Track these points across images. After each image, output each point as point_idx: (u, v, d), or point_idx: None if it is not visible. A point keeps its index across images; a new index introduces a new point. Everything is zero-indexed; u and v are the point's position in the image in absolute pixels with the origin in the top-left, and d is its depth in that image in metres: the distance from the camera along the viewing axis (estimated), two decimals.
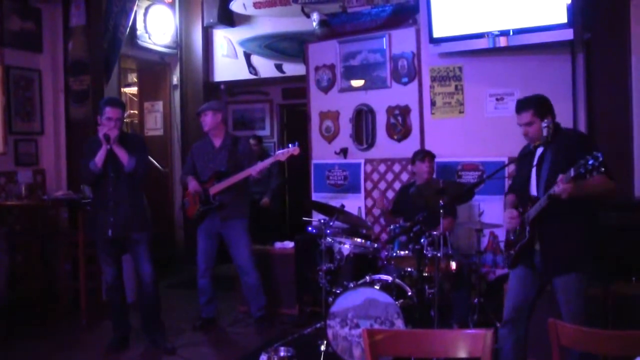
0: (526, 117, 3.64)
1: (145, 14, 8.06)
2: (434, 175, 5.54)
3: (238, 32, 8.73)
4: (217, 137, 5.62)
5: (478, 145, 5.84)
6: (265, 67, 8.69)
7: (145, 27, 8.06)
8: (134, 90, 9.48)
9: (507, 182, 5.49)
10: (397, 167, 6.29)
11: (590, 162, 3.04)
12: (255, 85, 9.67)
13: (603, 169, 3.06)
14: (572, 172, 3.15)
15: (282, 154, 5.39)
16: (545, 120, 3.58)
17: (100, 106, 4.80)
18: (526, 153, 3.78)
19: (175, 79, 8.81)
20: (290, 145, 5.39)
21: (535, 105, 3.65)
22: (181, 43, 8.79)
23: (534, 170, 3.67)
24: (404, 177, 6.20)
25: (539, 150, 3.67)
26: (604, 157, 3.03)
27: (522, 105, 3.69)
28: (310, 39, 7.06)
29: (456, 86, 5.95)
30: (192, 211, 5.62)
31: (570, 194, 3.25)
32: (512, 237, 3.77)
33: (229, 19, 8.59)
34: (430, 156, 5.50)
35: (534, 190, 3.65)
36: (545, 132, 3.58)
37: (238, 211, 5.60)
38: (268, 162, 5.50)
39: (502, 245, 5.61)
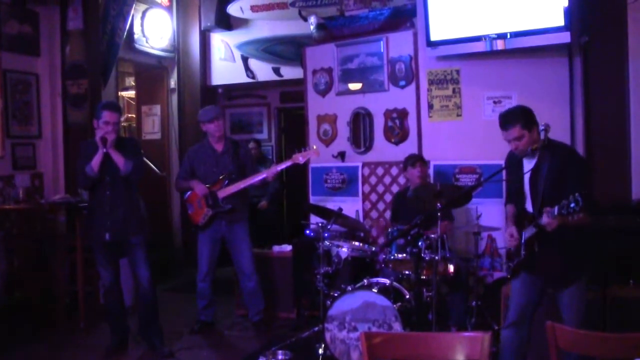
0: (514, 131, 3.56)
1: (142, 18, 8.08)
2: (431, 180, 5.54)
3: (235, 36, 8.75)
4: (218, 142, 5.62)
5: (475, 148, 5.84)
6: (263, 71, 8.71)
7: (142, 30, 8.08)
8: (131, 93, 9.48)
9: (505, 185, 5.50)
10: (394, 170, 6.29)
11: (572, 205, 3.09)
12: (253, 89, 9.67)
13: (582, 214, 3.11)
14: (555, 211, 3.22)
15: (301, 157, 5.40)
16: (542, 124, 3.57)
17: (98, 110, 4.78)
18: (515, 160, 3.77)
19: (173, 83, 8.82)
20: (307, 147, 5.43)
21: (522, 118, 3.57)
22: (178, 46, 8.80)
23: (527, 180, 3.67)
24: (402, 180, 6.19)
25: (528, 161, 3.64)
26: (584, 200, 3.08)
27: (509, 120, 3.59)
28: (308, 42, 7.07)
29: (454, 89, 5.95)
30: (199, 215, 5.58)
31: (554, 229, 3.32)
32: (512, 249, 3.78)
33: (227, 22, 8.61)
34: (422, 161, 5.50)
35: (529, 205, 3.67)
36: (542, 136, 3.57)
37: (242, 215, 5.62)
38: (285, 165, 5.52)
39: (500, 250, 5.63)
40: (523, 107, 3.68)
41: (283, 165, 5.56)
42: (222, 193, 5.47)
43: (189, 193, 5.69)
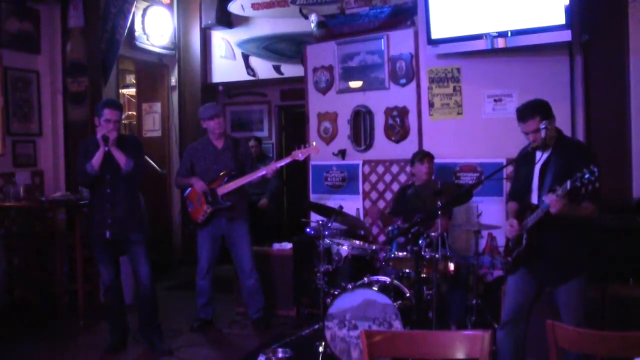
0: (533, 124, 3.54)
1: (143, 15, 8.06)
2: (433, 177, 5.54)
3: (236, 34, 8.75)
4: (218, 139, 5.62)
5: (476, 146, 5.84)
6: (264, 69, 8.71)
7: (143, 28, 8.07)
8: (132, 91, 9.47)
9: (505, 184, 5.50)
10: (395, 169, 6.29)
11: (587, 175, 3.06)
12: (253, 87, 9.66)
13: (598, 185, 3.06)
14: (568, 185, 3.17)
15: (300, 153, 5.40)
16: (543, 122, 3.55)
17: (98, 108, 4.78)
18: (526, 153, 3.75)
19: (174, 80, 8.81)
20: (306, 144, 5.45)
21: (542, 111, 3.56)
22: (179, 44, 8.80)
23: (536, 175, 3.65)
24: (402, 178, 6.20)
25: (540, 154, 3.63)
26: (600, 173, 3.04)
27: (528, 113, 3.58)
28: (309, 40, 7.06)
29: (454, 87, 5.95)
30: (198, 213, 5.57)
31: (559, 210, 3.26)
32: (511, 244, 3.76)
33: (227, 20, 8.60)
34: (430, 157, 5.49)
35: (534, 197, 3.63)
36: (543, 134, 3.55)
37: (242, 212, 5.63)
38: (284, 162, 5.53)
39: (501, 249, 5.62)
40: (542, 100, 3.66)
41: (282, 162, 5.56)
42: (222, 190, 5.47)
43: (188, 190, 5.69)
